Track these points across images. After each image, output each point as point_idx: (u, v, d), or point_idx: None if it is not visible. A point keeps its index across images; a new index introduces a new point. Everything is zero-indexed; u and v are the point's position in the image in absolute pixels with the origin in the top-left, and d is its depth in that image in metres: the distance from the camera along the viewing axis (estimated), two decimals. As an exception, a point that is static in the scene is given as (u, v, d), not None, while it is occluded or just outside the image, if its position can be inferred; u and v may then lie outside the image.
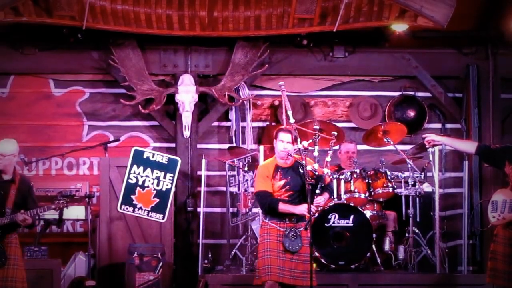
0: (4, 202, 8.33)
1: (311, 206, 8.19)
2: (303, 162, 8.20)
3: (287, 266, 8.28)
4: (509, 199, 8.45)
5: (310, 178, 8.20)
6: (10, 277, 8.38)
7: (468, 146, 9.06)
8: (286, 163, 8.42)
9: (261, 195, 8.38)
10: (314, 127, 10.34)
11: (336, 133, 10.39)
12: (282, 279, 8.26)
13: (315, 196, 8.29)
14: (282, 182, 8.34)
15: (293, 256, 8.28)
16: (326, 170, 8.81)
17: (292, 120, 8.71)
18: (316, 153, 9.77)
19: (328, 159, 10.21)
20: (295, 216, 8.31)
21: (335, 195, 9.99)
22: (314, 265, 9.55)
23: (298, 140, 8.40)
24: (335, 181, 10.16)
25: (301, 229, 8.28)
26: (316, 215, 9.64)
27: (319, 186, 8.36)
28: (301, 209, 8.23)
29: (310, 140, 9.85)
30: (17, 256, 8.46)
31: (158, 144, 11.59)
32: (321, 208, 9.11)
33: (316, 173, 8.30)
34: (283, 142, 8.32)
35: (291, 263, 8.28)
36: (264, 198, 8.35)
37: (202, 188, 10.91)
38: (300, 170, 8.32)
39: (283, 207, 8.26)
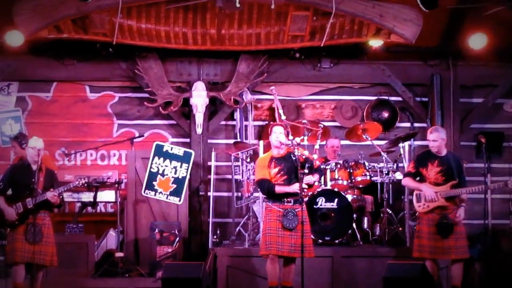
0: (36, 186, 8.93)
1: (303, 183, 8.62)
2: (295, 151, 8.62)
3: (286, 242, 8.66)
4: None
5: (300, 163, 8.55)
6: (42, 251, 9.01)
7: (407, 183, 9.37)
8: (279, 153, 8.81)
9: (261, 182, 8.87)
10: (303, 121, 10.82)
11: (322, 125, 10.71)
12: (281, 253, 8.68)
13: (305, 175, 8.69)
14: (277, 169, 8.81)
15: (292, 233, 8.65)
16: (315, 156, 9.32)
17: (283, 117, 9.10)
18: (305, 147, 9.91)
19: (316, 146, 10.56)
20: (292, 198, 8.69)
21: (322, 182, 10.35)
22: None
23: (290, 134, 8.83)
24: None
25: (298, 209, 8.67)
26: (307, 197, 9.97)
27: (306, 166, 8.68)
28: (294, 187, 8.67)
29: (302, 137, 10.45)
30: (49, 234, 9.12)
31: (175, 139, 11.95)
32: (312, 186, 9.13)
33: (304, 157, 8.70)
34: (276, 133, 8.80)
35: (291, 239, 8.67)
36: (263, 184, 8.82)
37: (212, 176, 11.24)
38: (292, 157, 8.74)
39: (278, 188, 8.72)
